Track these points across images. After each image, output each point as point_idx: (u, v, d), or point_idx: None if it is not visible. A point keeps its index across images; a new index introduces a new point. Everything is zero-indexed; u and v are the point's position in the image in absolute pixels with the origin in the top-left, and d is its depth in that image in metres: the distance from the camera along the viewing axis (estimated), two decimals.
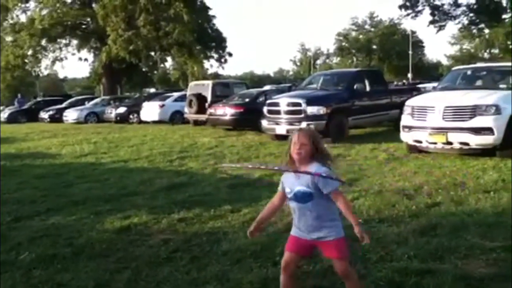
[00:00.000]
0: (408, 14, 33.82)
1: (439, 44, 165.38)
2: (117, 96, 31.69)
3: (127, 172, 8.60)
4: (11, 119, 29.24)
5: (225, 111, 15.44)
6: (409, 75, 53.66)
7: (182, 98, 20.66)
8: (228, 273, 3.70)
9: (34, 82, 58.44)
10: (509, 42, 36.75)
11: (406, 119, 9.11)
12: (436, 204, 5.39)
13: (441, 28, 33.92)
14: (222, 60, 38.73)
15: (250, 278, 3.53)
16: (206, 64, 40.22)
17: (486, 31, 37.40)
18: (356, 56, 70.85)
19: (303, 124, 11.28)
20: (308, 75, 31.89)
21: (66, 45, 39.06)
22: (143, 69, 42.12)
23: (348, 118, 12.06)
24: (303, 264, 3.66)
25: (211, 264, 3.91)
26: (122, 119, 22.96)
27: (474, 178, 6.66)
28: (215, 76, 42.90)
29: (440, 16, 33.38)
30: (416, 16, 33.72)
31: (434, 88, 11.34)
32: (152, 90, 42.34)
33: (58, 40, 37.89)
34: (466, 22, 34.07)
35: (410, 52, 59.27)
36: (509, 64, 10.21)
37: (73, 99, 31.60)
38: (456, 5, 32.83)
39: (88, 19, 37.91)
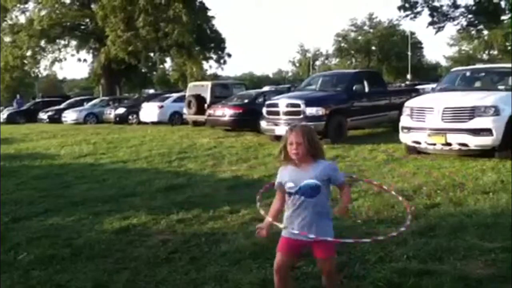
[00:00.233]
0: (407, 15, 33.89)
1: (438, 46, 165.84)
2: (116, 97, 31.69)
3: (126, 173, 8.59)
4: (10, 120, 29.25)
5: (224, 112, 15.44)
6: (408, 76, 53.72)
7: (181, 99, 20.67)
8: (227, 273, 3.70)
9: (33, 83, 58.38)
10: (507, 44, 36.81)
11: (405, 120, 9.12)
12: (435, 205, 5.39)
13: (440, 29, 33.98)
14: (221, 61, 38.77)
15: (249, 279, 3.53)
16: (205, 65, 40.27)
17: (485, 32, 37.48)
18: (355, 57, 70.89)
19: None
20: (307, 76, 31.91)
21: (65, 46, 39.10)
22: (142, 70, 42.11)
23: (347, 119, 12.07)
24: (302, 265, 3.66)
25: (210, 265, 3.91)
26: (121, 120, 22.95)
27: (473, 179, 6.66)
28: (214, 77, 42.89)
29: (439, 18, 33.43)
30: (415, 17, 33.78)
31: (433, 89, 11.35)
32: (151, 91, 42.36)
33: (57, 41, 37.90)
34: (465, 23, 34.14)
35: (409, 53, 59.36)
36: (508, 65, 10.24)
37: (72, 100, 31.60)
38: (455, 6, 32.91)
39: (87, 20, 37.93)
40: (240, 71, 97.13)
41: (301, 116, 11.63)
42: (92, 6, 36.46)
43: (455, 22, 34.05)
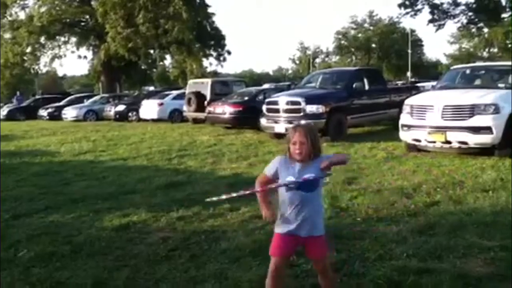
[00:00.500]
0: (407, 13, 33.83)
1: (438, 43, 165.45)
2: (116, 94, 31.67)
3: (126, 170, 8.60)
4: (10, 117, 29.20)
5: (224, 110, 15.44)
6: (408, 74, 53.70)
7: (181, 96, 20.64)
8: (226, 271, 3.70)
9: (33, 80, 58.31)
10: (508, 41, 36.74)
11: (405, 118, 9.12)
12: (434, 203, 5.40)
13: (440, 27, 33.94)
14: (221, 58, 38.70)
15: (249, 277, 3.53)
16: (205, 62, 40.17)
17: (485, 30, 37.37)
18: (355, 55, 70.85)
19: (303, 121, 11.29)
20: (307, 74, 31.88)
21: (65, 42, 39.03)
22: (142, 67, 42.07)
23: (347, 117, 12.06)
24: (302, 263, 3.66)
25: (209, 263, 3.92)
26: (121, 117, 22.92)
27: (473, 177, 6.67)
28: (214, 74, 42.82)
29: (439, 15, 33.39)
30: (415, 15, 33.73)
31: (433, 87, 11.34)
32: (151, 88, 42.27)
33: (57, 37, 37.84)
34: (465, 21, 34.10)
35: (409, 51, 59.28)
36: (508, 63, 10.22)
37: (72, 97, 31.52)
38: (455, 4, 32.85)
39: (87, 17, 37.88)
40: (240, 69, 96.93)
41: (301, 113, 11.62)
42: (92, 2, 36.38)
43: (456, 20, 34.03)
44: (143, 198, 6.26)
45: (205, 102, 17.57)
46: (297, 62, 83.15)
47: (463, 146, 8.24)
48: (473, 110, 8.16)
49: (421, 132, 8.62)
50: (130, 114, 22.80)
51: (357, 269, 3.64)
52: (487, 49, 50.67)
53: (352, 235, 4.39)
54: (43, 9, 35.18)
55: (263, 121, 12.60)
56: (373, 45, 68.37)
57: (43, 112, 27.81)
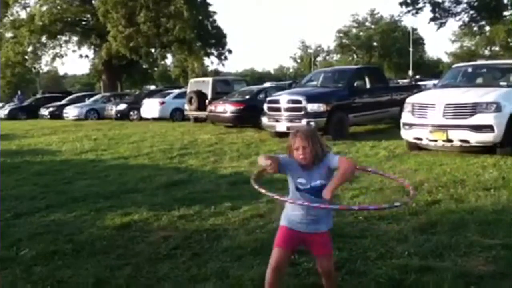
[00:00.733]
0: (408, 11, 33.70)
1: (439, 41, 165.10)
2: (117, 93, 31.70)
3: (127, 169, 8.60)
4: (12, 116, 29.25)
5: (225, 108, 15.45)
6: (410, 72, 53.58)
7: (182, 95, 20.66)
8: (228, 270, 3.70)
9: (34, 79, 58.42)
10: (509, 40, 36.71)
11: (406, 117, 9.11)
12: (436, 202, 5.39)
13: (441, 25, 33.82)
14: (222, 57, 38.64)
15: (251, 275, 3.53)
16: (206, 61, 40.17)
17: (487, 28, 37.25)
18: (357, 53, 70.81)
19: (303, 121, 11.29)
20: (309, 72, 31.85)
21: (66, 41, 39.01)
22: (143, 66, 42.06)
23: (349, 116, 12.06)
24: (303, 261, 3.66)
25: (211, 261, 3.92)
26: (123, 116, 22.95)
27: (474, 176, 6.66)
28: (215, 73, 42.85)
29: (440, 13, 33.28)
30: (416, 13, 33.60)
31: (435, 86, 11.33)
32: (152, 87, 42.26)
33: (58, 36, 37.80)
34: (466, 19, 33.97)
35: (411, 49, 59.20)
36: (509, 61, 10.19)
37: (73, 96, 31.57)
38: (457, 2, 32.74)
39: (88, 16, 37.86)
40: (241, 67, 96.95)
41: (302, 112, 11.63)
42: (93, 1, 36.36)
43: (457, 18, 33.90)
44: (144, 197, 6.27)
45: (206, 101, 17.59)
46: (298, 60, 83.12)
47: (465, 144, 8.23)
48: (475, 108, 8.15)
49: (422, 130, 8.61)
50: (131, 113, 22.82)
51: (359, 267, 3.64)
52: (488, 48, 50.65)
53: (354, 234, 4.39)
54: (44, 8, 35.18)
55: (264, 120, 12.60)
56: (375, 44, 68.31)
57: (44, 111, 27.85)
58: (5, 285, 3.65)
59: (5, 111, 30.53)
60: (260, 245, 4.07)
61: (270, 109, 12.51)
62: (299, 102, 11.84)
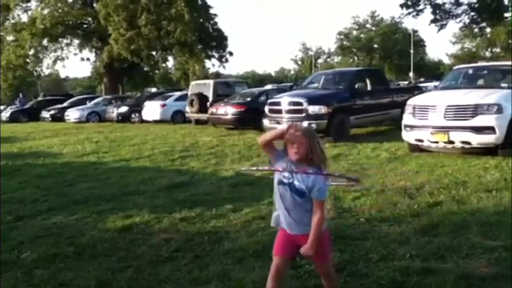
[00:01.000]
0: (409, 13, 33.76)
1: (440, 43, 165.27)
2: (119, 96, 31.71)
3: (128, 171, 8.60)
4: (13, 119, 29.32)
5: (227, 110, 15.45)
6: (411, 74, 53.61)
7: (183, 98, 20.68)
8: (229, 272, 3.70)
9: (36, 82, 58.50)
10: (510, 41, 36.68)
11: (407, 118, 9.10)
12: (437, 203, 5.39)
13: (442, 27, 33.86)
14: (223, 59, 38.69)
15: (252, 278, 3.53)
16: (208, 63, 40.28)
17: (488, 30, 37.32)
18: (357, 55, 70.84)
19: (305, 123, 11.27)
20: (310, 74, 31.86)
21: (68, 44, 39.09)
22: (145, 69, 42.11)
23: (350, 117, 12.05)
24: (304, 263, 3.66)
25: (212, 263, 3.92)
26: (124, 118, 22.97)
27: (476, 177, 6.65)
28: (217, 75, 42.88)
29: (441, 15, 33.31)
30: (417, 15, 33.66)
31: (436, 87, 11.32)
32: (154, 89, 42.32)
33: (60, 39, 37.87)
34: (467, 21, 34.00)
35: (412, 51, 59.20)
36: (510, 63, 10.19)
37: (74, 99, 31.62)
38: (458, 4, 32.77)
39: (90, 19, 37.92)
40: (243, 70, 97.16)
41: (304, 114, 11.63)
42: (95, 4, 36.44)
43: (458, 20, 33.94)
44: (145, 199, 6.27)
45: (208, 103, 17.59)
46: (299, 62, 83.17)
47: (466, 146, 8.23)
48: (476, 110, 8.14)
49: (423, 132, 8.60)
50: (132, 115, 22.84)
51: (360, 269, 3.63)
52: (489, 49, 50.64)
53: (355, 236, 4.38)
54: (45, 12, 35.25)
55: (265, 122, 12.61)
56: (375, 46, 68.34)
57: (45, 114, 27.90)
58: None
59: (6, 114, 30.60)
60: (262, 248, 4.06)
61: (271, 111, 12.51)
62: (300, 104, 11.84)
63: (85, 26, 38.81)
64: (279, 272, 2.84)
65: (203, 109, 17.68)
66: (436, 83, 14.62)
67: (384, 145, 10.23)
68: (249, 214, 5.24)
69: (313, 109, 11.60)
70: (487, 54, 51.38)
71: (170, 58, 44.21)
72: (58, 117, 26.64)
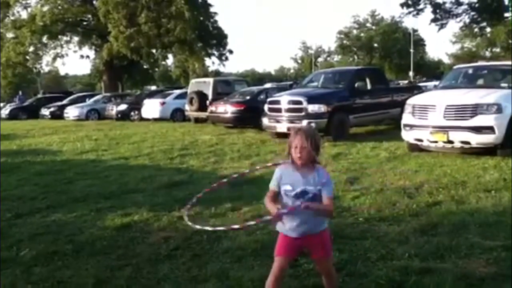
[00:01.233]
0: (409, 12, 33.75)
1: (440, 43, 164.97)
2: (118, 93, 31.73)
3: (127, 170, 8.60)
4: (12, 116, 29.30)
5: (226, 109, 15.44)
6: (411, 74, 53.61)
7: (183, 96, 20.67)
8: (228, 271, 3.70)
9: (35, 79, 58.45)
10: (510, 41, 36.68)
11: (407, 118, 9.10)
12: (437, 203, 5.39)
13: (442, 26, 33.85)
14: (223, 57, 38.67)
15: (251, 276, 3.53)
16: (207, 61, 40.24)
17: (488, 29, 37.29)
18: (357, 54, 70.85)
19: (304, 122, 11.28)
20: (309, 73, 31.84)
21: (67, 42, 39.06)
22: (144, 66, 42.11)
23: (349, 116, 12.04)
24: (304, 262, 3.66)
25: (211, 262, 3.92)
26: (123, 116, 22.96)
27: (475, 177, 6.65)
28: (216, 73, 42.91)
29: (441, 15, 33.30)
30: (417, 14, 33.66)
31: (435, 87, 11.32)
32: (153, 87, 42.35)
33: (59, 36, 37.84)
34: (467, 20, 33.99)
35: (412, 50, 59.20)
36: (510, 62, 10.19)
37: (74, 96, 31.62)
38: (458, 3, 32.76)
39: (89, 16, 37.90)
40: (242, 68, 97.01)
41: (303, 113, 11.62)
42: (94, 2, 36.41)
43: (458, 19, 33.93)
44: (145, 197, 6.27)
45: (207, 102, 17.58)
46: (299, 61, 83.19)
47: (465, 146, 8.23)
48: (476, 109, 8.14)
49: (423, 132, 8.61)
50: (132, 113, 22.84)
51: (359, 269, 3.64)
52: (489, 49, 50.62)
53: (354, 235, 4.39)
54: (45, 9, 35.22)
55: (265, 121, 12.60)
56: (375, 45, 68.34)
57: (45, 111, 27.90)
58: (6, 285, 3.65)
59: (6, 111, 30.58)
60: (261, 247, 4.07)
61: (270, 109, 12.50)
62: (299, 103, 11.83)
63: (85, 23, 38.79)
64: (282, 273, 2.85)
65: (202, 107, 17.67)
66: (436, 83, 14.61)
67: (383, 144, 10.23)
68: (248, 213, 5.24)
69: (312, 108, 11.59)
70: (487, 53, 51.37)
71: (170, 56, 44.30)
72: (58, 115, 26.64)
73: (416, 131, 8.79)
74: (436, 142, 8.47)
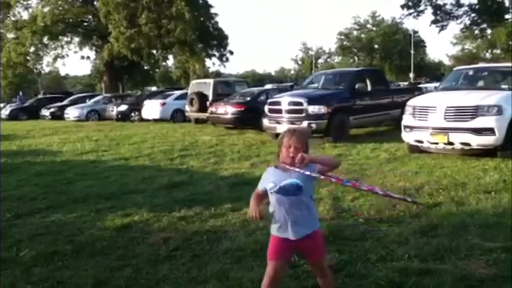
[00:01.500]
0: (410, 14, 33.83)
1: (441, 44, 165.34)
2: (119, 94, 31.72)
3: (128, 170, 8.60)
4: (13, 116, 29.30)
5: (226, 110, 15.44)
6: (411, 75, 53.62)
7: (183, 96, 20.67)
8: (228, 271, 3.70)
9: (36, 80, 58.46)
10: (511, 43, 36.68)
11: (407, 119, 9.10)
12: (437, 204, 5.39)
13: (443, 28, 33.91)
14: (224, 58, 38.72)
15: (251, 277, 3.52)
16: (208, 62, 40.28)
17: (488, 31, 37.33)
18: (358, 56, 70.86)
19: (304, 123, 11.28)
20: (310, 74, 31.85)
21: (68, 42, 39.15)
22: (145, 67, 42.16)
23: (350, 118, 12.04)
24: (303, 263, 3.65)
25: (211, 263, 3.91)
26: (124, 117, 22.95)
27: (475, 179, 6.65)
28: (217, 74, 42.94)
29: (442, 16, 33.36)
30: (418, 15, 33.74)
31: (436, 88, 11.32)
32: (154, 88, 42.40)
33: (60, 37, 37.93)
34: (468, 22, 34.06)
35: (412, 51, 59.20)
36: (510, 64, 10.18)
37: (74, 97, 31.62)
38: (458, 5, 32.82)
39: (90, 17, 37.98)
40: (243, 69, 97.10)
41: (303, 114, 11.62)
42: (95, 3, 36.47)
43: (459, 21, 34.00)
44: (144, 198, 6.27)
45: (207, 102, 17.57)
46: (300, 62, 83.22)
47: (466, 147, 8.22)
48: (476, 111, 8.13)
49: (423, 133, 8.60)
50: (132, 114, 22.83)
51: (359, 270, 3.63)
52: (490, 50, 50.58)
53: (354, 236, 4.38)
54: (46, 9, 35.28)
55: (265, 122, 12.60)
56: (376, 46, 68.34)
57: (45, 112, 27.89)
58: (5, 285, 3.65)
59: (6, 112, 30.59)
60: (260, 247, 4.05)
61: (271, 111, 12.50)
62: (300, 104, 11.83)
63: (85, 24, 38.86)
64: (275, 276, 2.78)
65: (203, 108, 17.67)
66: (436, 84, 14.61)
67: (383, 145, 10.22)
68: (248, 214, 5.22)
69: (313, 109, 11.58)
70: (488, 55, 51.33)
71: (171, 57, 44.30)
72: (58, 115, 26.63)
73: (417, 133, 8.78)
74: (436, 143, 8.46)
